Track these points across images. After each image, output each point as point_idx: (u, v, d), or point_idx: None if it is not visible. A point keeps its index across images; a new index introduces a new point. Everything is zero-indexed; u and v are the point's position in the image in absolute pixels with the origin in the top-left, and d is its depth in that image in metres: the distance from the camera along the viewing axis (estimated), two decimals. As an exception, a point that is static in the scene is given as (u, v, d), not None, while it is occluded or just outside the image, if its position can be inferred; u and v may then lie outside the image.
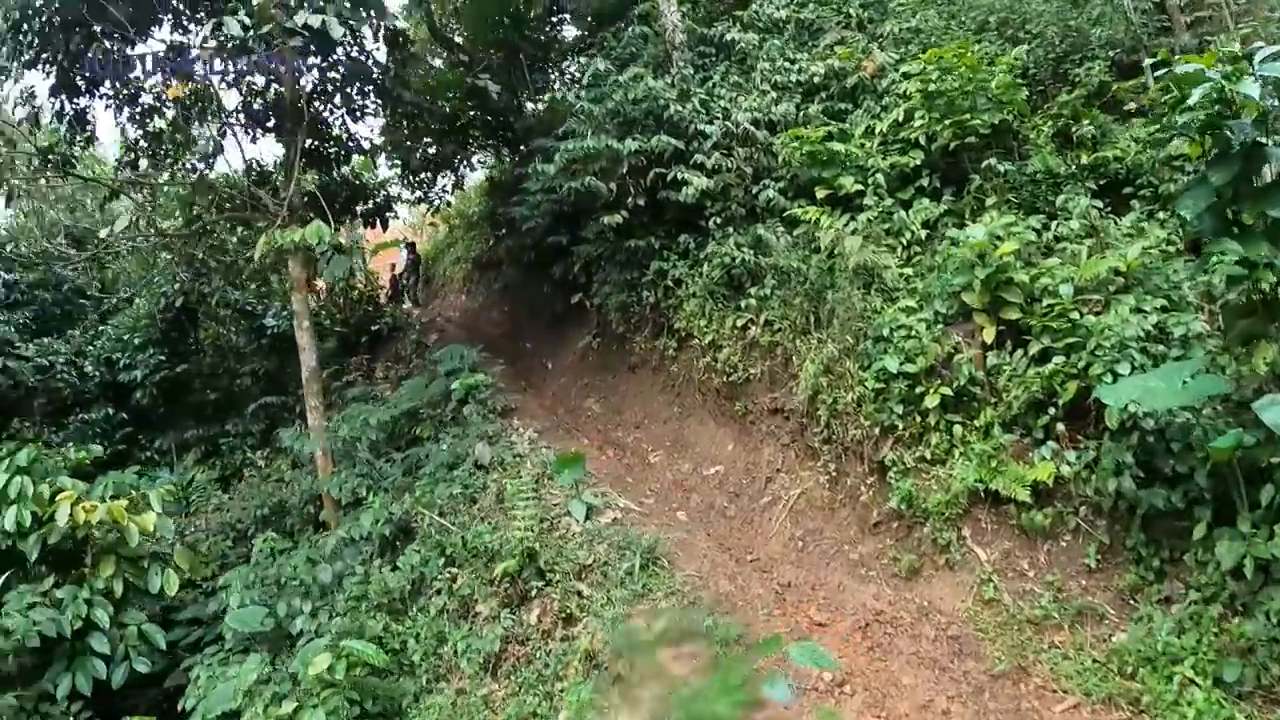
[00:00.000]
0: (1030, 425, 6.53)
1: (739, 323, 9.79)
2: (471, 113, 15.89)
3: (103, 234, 9.84)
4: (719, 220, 10.38)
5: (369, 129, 14.63)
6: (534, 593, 7.48)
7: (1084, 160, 8.00)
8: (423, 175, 16.83)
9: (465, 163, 17.21)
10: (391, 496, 10.10)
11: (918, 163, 8.65)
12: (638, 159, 10.63)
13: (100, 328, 15.94)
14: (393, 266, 19.88)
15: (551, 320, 15.12)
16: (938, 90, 8.24)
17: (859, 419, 7.75)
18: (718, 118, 10.20)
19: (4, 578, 8.04)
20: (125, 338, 15.30)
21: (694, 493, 9.60)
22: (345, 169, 15.45)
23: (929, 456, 7.07)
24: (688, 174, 10.16)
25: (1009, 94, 8.16)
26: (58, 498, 8.30)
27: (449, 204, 18.42)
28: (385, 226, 16.00)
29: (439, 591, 8.40)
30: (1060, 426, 6.30)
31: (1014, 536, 6.33)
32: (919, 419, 7.26)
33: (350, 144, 14.04)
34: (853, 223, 8.47)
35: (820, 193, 8.94)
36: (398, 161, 15.42)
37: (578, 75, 12.55)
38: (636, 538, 7.64)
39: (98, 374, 15.06)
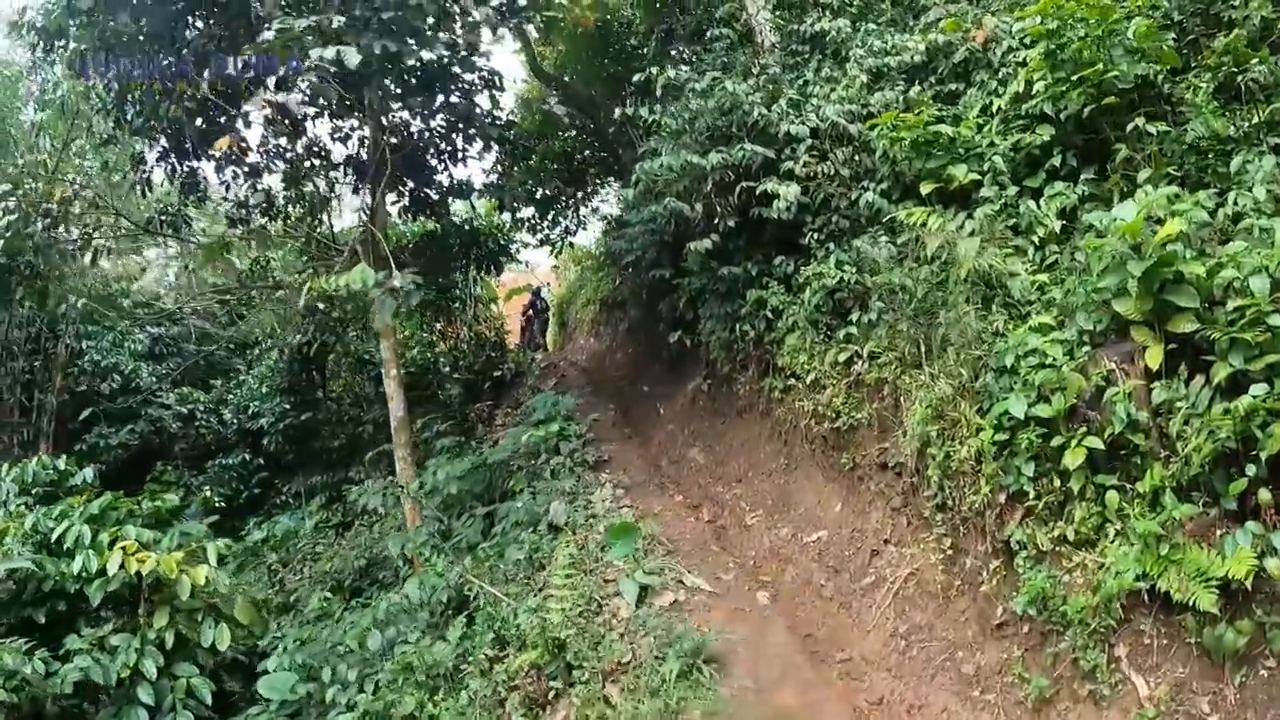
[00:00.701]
0: (1219, 491, 4.35)
1: (841, 357, 7.96)
2: (586, 151, 14.99)
3: (134, 286, 9.70)
4: (820, 236, 8.64)
5: (482, 173, 13.99)
6: (554, 694, 5.99)
7: (1258, 117, 5.66)
8: (541, 217, 16.10)
9: (585, 201, 16.34)
10: (453, 558, 9.01)
11: (1046, 139, 6.53)
12: (724, 174, 9.10)
13: (242, 377, 16.33)
14: (524, 311, 19.37)
15: (668, 361, 13.71)
16: (1061, 44, 6.17)
17: (977, 481, 5.73)
18: (810, 117, 8.48)
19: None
20: (257, 386, 15.53)
21: (790, 564, 7.79)
22: (462, 215, 15.01)
23: (1071, 536, 4.98)
24: (778, 185, 8.50)
25: (1151, 41, 5.96)
26: (114, 547, 7.93)
27: (571, 245, 17.60)
28: (500, 271, 15.35)
29: (478, 673, 7.10)
30: (1264, 494, 4.09)
31: (1190, 659, 4.18)
32: (1057, 482, 5.19)
33: (456, 189, 13.44)
34: (969, 221, 6.49)
35: (926, 187, 7.01)
36: (511, 204, 14.67)
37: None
38: (684, 633, 5.98)
39: (235, 421, 15.36)
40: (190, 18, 9.27)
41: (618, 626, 6.54)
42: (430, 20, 9.32)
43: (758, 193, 8.71)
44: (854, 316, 7.88)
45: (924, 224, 6.71)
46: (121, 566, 7.81)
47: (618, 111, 9.75)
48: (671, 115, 9.51)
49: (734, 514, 9.16)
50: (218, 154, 11.19)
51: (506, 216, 16.47)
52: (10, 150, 12.04)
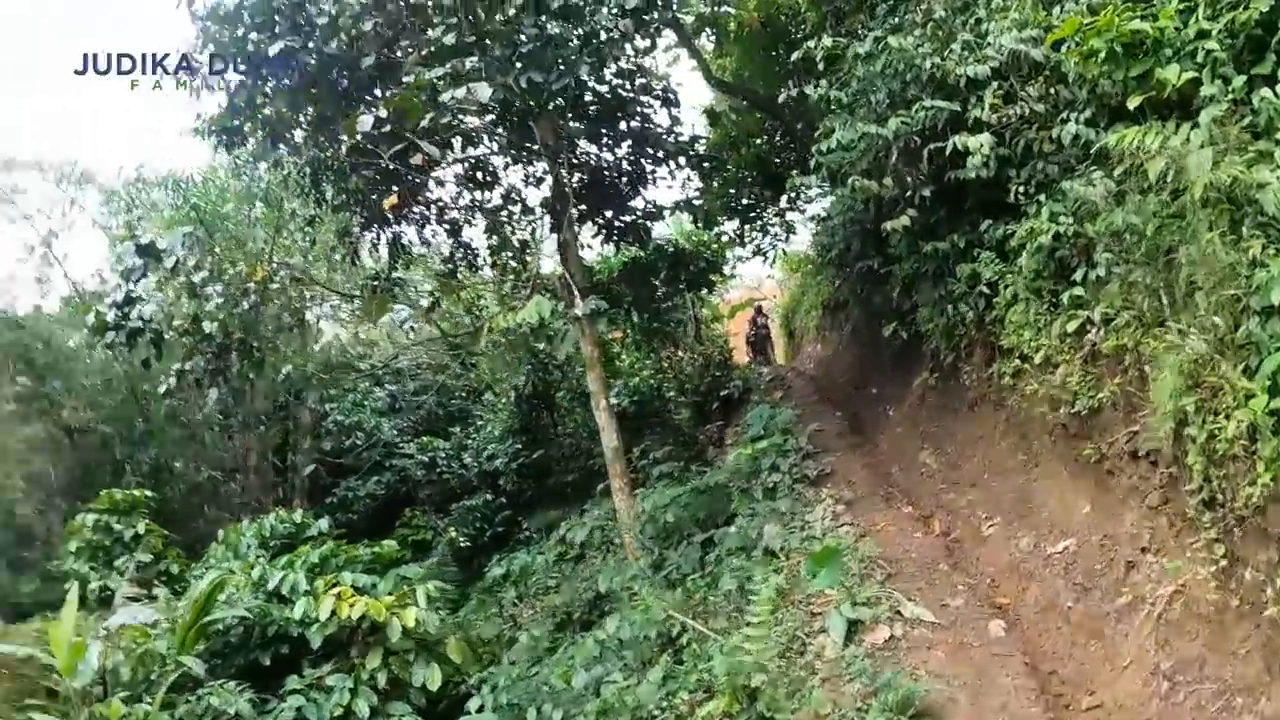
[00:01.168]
0: None
1: (1071, 326, 6.59)
2: (781, 154, 14.23)
3: (360, 349, 10.40)
4: (1027, 190, 7.28)
5: (679, 191, 13.70)
6: (742, 752, 5.32)
7: None
8: (744, 226, 15.47)
9: (793, 205, 15.45)
10: (663, 591, 8.63)
11: (1265, 9, 4.89)
12: (908, 140, 8.03)
13: (480, 423, 17.24)
14: (749, 328, 18.79)
15: (893, 359, 12.43)
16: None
17: (1253, 466, 4.29)
18: (989, 54, 7.21)
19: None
20: (493, 430, 16.27)
21: (1032, 582, 6.50)
22: (667, 238, 14.85)
23: (1393, 533, 3.48)
24: (967, 139, 7.31)
25: None
26: (327, 593, 8.48)
27: (784, 252, 16.68)
28: (711, 288, 14.96)
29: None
30: None
31: None
32: (1366, 457, 3.68)
33: (649, 212, 13.28)
34: (1193, 132, 5.01)
35: (1135, 100, 5.55)
36: (707, 218, 14.20)
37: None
38: (891, 680, 5.05)
39: (476, 464, 16.16)
40: (345, 98, 9.77)
41: (821, 669, 5.74)
42: (577, 45, 9.18)
43: (948, 152, 7.56)
44: (1079, 275, 6.50)
45: (1139, 145, 5.29)
46: (334, 612, 8.33)
47: (781, 95, 8.93)
48: (840, 87, 8.58)
49: (968, 524, 7.90)
50: (412, 215, 11.91)
51: (714, 232, 16.13)
52: (228, 245, 13.67)
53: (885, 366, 12.76)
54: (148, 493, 12.55)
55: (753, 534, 8.75)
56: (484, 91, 7.41)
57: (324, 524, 10.87)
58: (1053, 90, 6.83)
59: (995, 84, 7.20)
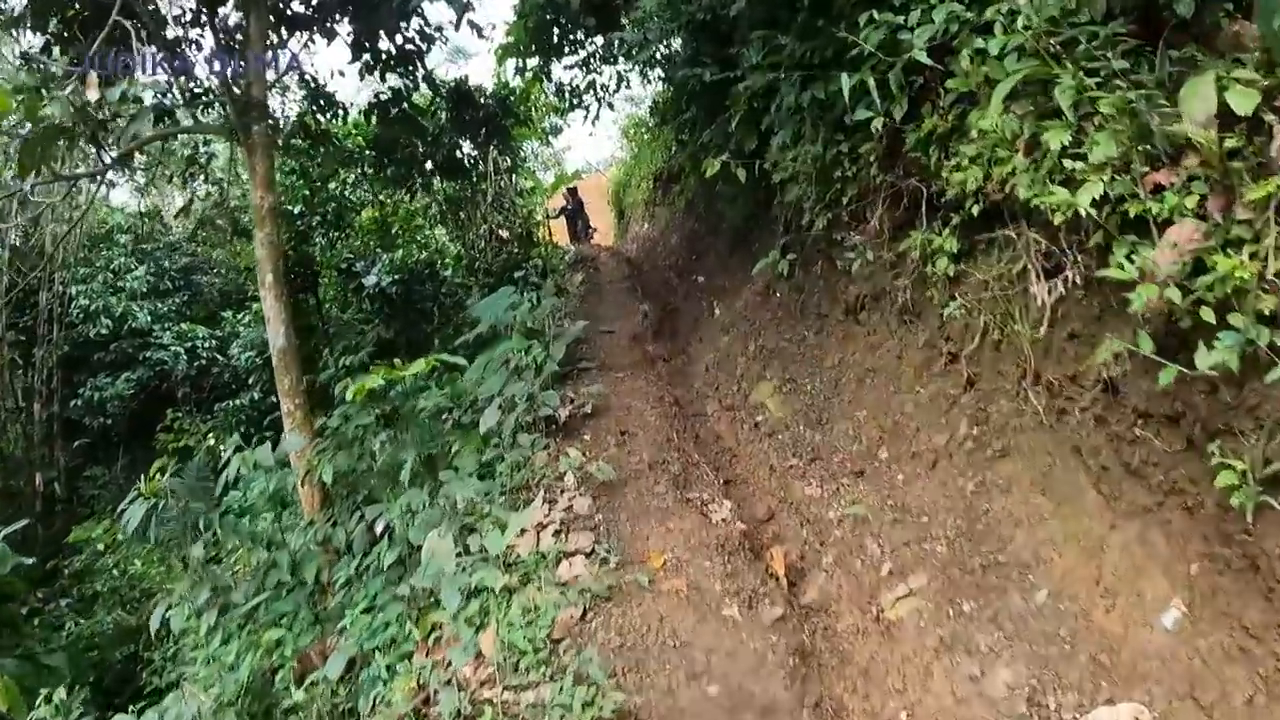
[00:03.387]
0: None
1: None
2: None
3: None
4: None
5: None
6: None
7: None
8: (549, 62, 9.77)
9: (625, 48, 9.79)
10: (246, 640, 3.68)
11: None
12: None
13: (256, 307, 11.67)
14: (560, 210, 13.59)
15: (733, 236, 7.45)
16: None
17: None
18: None
19: None
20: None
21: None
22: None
23: None
24: None
25: None
26: None
27: (610, 106, 11.04)
28: (504, 140, 9.57)
29: None
30: None
31: None
32: None
33: (427, 33, 7.51)
34: None
35: None
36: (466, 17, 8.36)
37: None
38: None
39: (242, 357, 10.71)
40: None
41: None
42: None
43: None
44: None
45: None
46: None
47: None
48: None
49: (851, 575, 3.13)
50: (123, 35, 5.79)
51: (529, 76, 10.31)
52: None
53: (721, 247, 7.76)
54: None
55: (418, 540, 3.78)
56: None
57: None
58: None
59: None
